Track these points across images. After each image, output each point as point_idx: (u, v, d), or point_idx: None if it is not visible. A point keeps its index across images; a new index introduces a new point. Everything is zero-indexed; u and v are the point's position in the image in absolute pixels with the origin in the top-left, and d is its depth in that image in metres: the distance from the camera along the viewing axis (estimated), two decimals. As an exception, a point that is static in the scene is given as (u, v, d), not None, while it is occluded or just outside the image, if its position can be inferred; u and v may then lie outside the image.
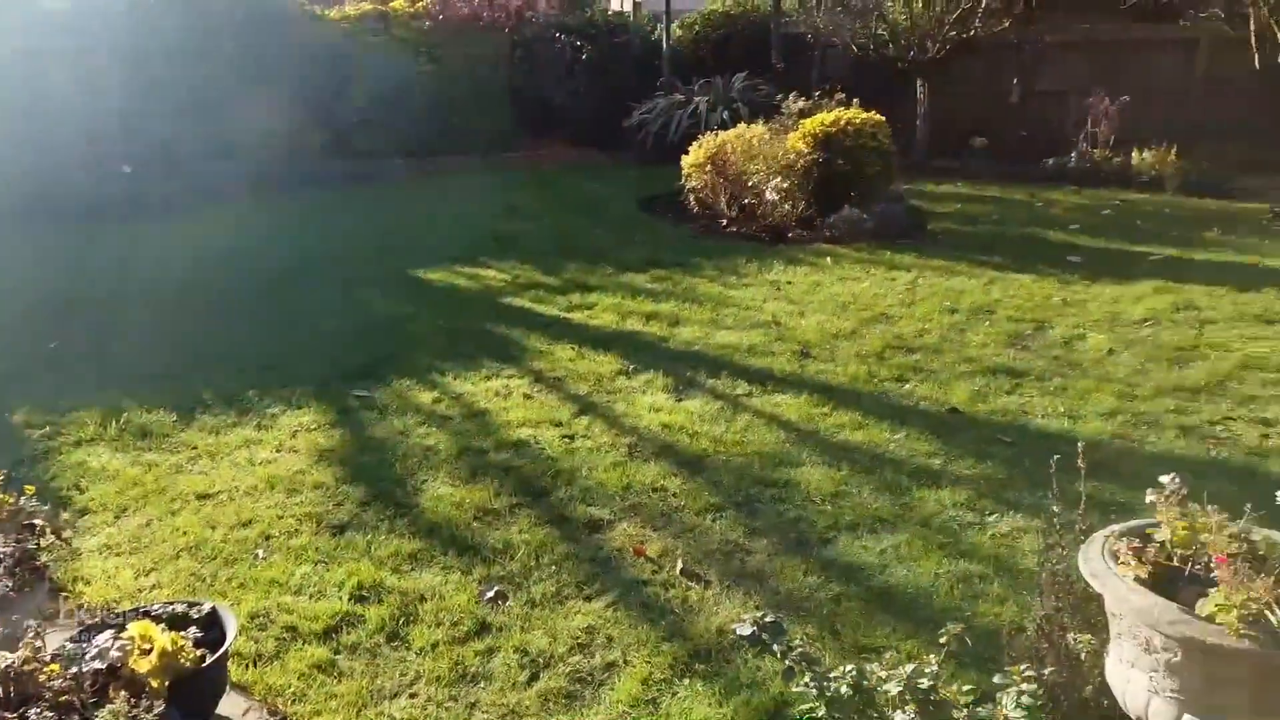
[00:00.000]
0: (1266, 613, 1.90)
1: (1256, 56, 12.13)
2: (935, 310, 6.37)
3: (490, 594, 3.24)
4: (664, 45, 13.86)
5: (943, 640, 2.28)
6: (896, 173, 9.18)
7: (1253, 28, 11.98)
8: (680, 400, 5.00)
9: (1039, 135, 12.88)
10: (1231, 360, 5.30)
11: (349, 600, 3.20)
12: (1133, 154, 11.78)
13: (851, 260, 7.74)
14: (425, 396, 5.04)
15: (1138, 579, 2.14)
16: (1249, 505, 2.26)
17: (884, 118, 9.02)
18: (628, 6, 17.22)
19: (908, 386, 5.15)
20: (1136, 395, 4.89)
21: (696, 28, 14.50)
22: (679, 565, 3.43)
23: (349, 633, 3.04)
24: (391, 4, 13.65)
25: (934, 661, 2.16)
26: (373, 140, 11.96)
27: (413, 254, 8.20)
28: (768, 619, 2.28)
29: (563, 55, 13.38)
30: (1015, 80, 12.66)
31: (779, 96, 10.85)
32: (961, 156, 12.84)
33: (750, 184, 9.00)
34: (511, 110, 13.45)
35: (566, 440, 4.48)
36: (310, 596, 3.24)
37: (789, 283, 7.16)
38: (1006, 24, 12.61)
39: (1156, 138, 11.61)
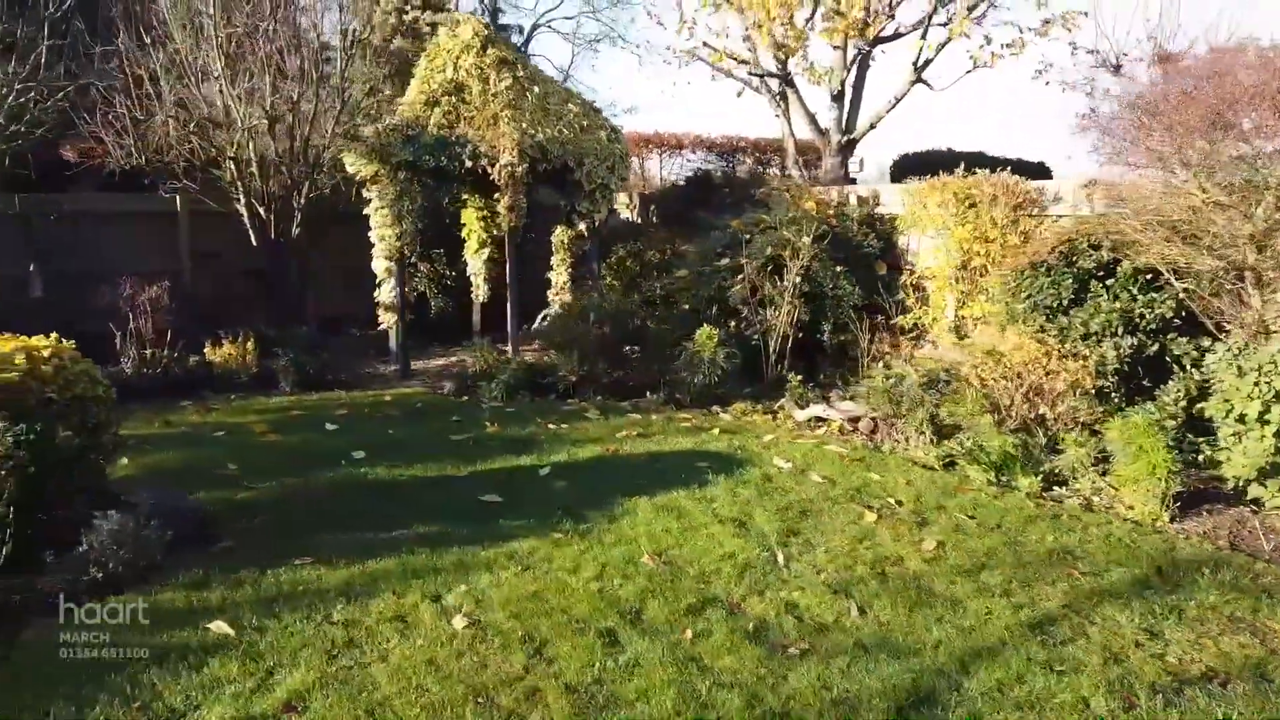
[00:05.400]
0: None
1: (252, 233, 11.30)
2: None
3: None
4: None
5: None
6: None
7: (243, 202, 11.11)
8: None
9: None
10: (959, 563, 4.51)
11: None
12: (207, 349, 9.46)
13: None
14: None
15: None
16: None
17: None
18: None
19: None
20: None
21: None
22: None
23: None
24: None
25: None
26: None
27: None
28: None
29: None
30: (32, 267, 8.70)
31: None
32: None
33: None
34: None
35: None
36: None
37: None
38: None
39: (174, 321, 9.51)
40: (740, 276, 8.96)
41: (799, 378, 8.11)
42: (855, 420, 7.40)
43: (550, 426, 7.31)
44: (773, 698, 3.35)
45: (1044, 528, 5.09)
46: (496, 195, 11.72)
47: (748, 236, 9.31)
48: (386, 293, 10.52)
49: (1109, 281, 6.46)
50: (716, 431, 7.19)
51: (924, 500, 5.57)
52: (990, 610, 4.05)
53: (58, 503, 4.28)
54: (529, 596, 4.13)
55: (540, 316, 11.83)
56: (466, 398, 8.48)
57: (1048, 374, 6.35)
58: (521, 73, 9.83)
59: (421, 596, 4.10)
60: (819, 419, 7.58)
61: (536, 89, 9.79)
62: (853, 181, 12.93)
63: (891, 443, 6.91)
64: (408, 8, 15.82)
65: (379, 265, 10.31)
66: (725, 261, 9.25)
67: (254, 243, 11.23)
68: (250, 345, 9.65)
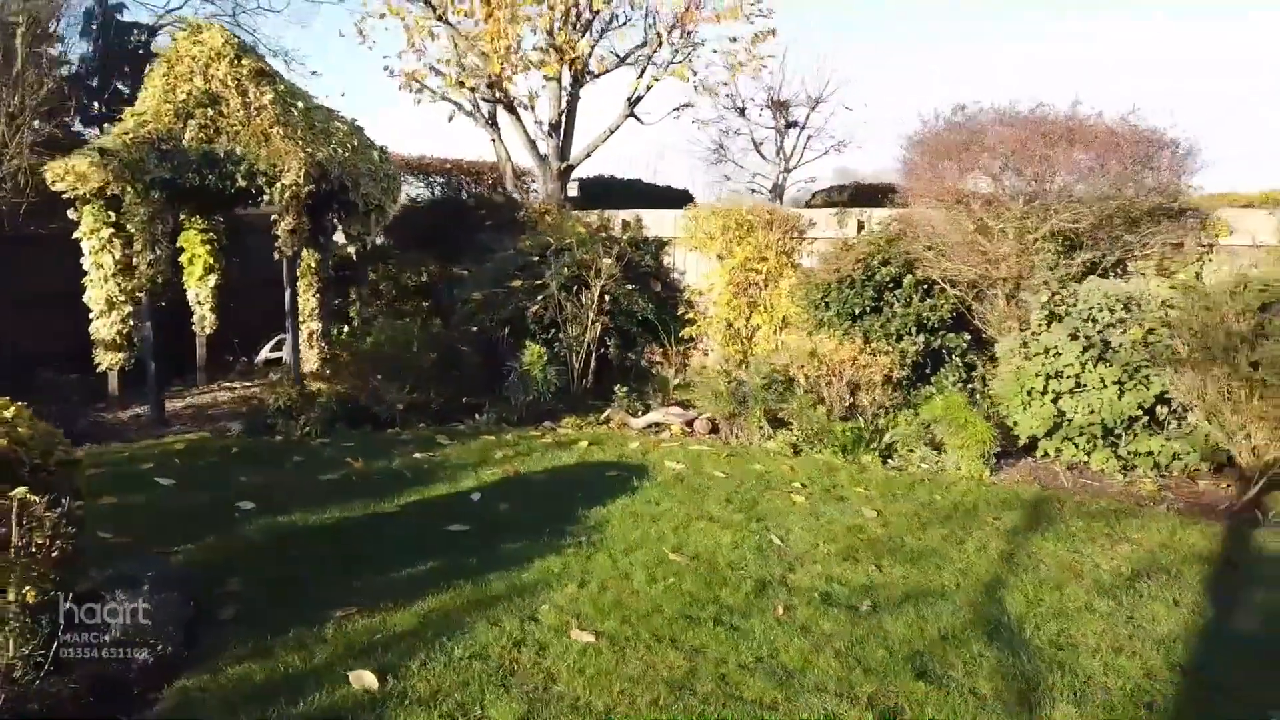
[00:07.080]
0: None
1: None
2: None
3: None
4: None
5: None
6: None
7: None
8: None
9: None
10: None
11: None
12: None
13: None
14: None
15: None
16: None
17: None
18: None
19: None
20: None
21: None
22: None
23: None
24: None
25: None
26: None
27: None
28: None
29: None
30: None
31: None
32: None
33: None
34: None
35: None
36: None
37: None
38: None
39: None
40: (542, 297, 9.27)
41: (624, 389, 8.67)
42: (691, 423, 8.15)
43: (416, 456, 7.08)
44: (898, 645, 3.96)
45: (927, 489, 6.27)
46: (219, 216, 10.75)
47: (536, 257, 9.65)
48: (108, 329, 9.10)
49: (897, 291, 7.96)
50: (585, 444, 7.50)
51: (818, 480, 6.50)
52: (965, 555, 5.04)
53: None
54: (615, 604, 4.27)
55: (271, 345, 11.05)
56: (280, 437, 7.77)
57: (863, 369, 7.64)
58: (282, 86, 9.18)
59: (520, 621, 4.06)
60: (658, 424, 8.21)
61: (300, 104, 9.20)
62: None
63: (737, 439, 7.78)
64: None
65: (96, 296, 8.91)
66: (519, 283, 9.49)
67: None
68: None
